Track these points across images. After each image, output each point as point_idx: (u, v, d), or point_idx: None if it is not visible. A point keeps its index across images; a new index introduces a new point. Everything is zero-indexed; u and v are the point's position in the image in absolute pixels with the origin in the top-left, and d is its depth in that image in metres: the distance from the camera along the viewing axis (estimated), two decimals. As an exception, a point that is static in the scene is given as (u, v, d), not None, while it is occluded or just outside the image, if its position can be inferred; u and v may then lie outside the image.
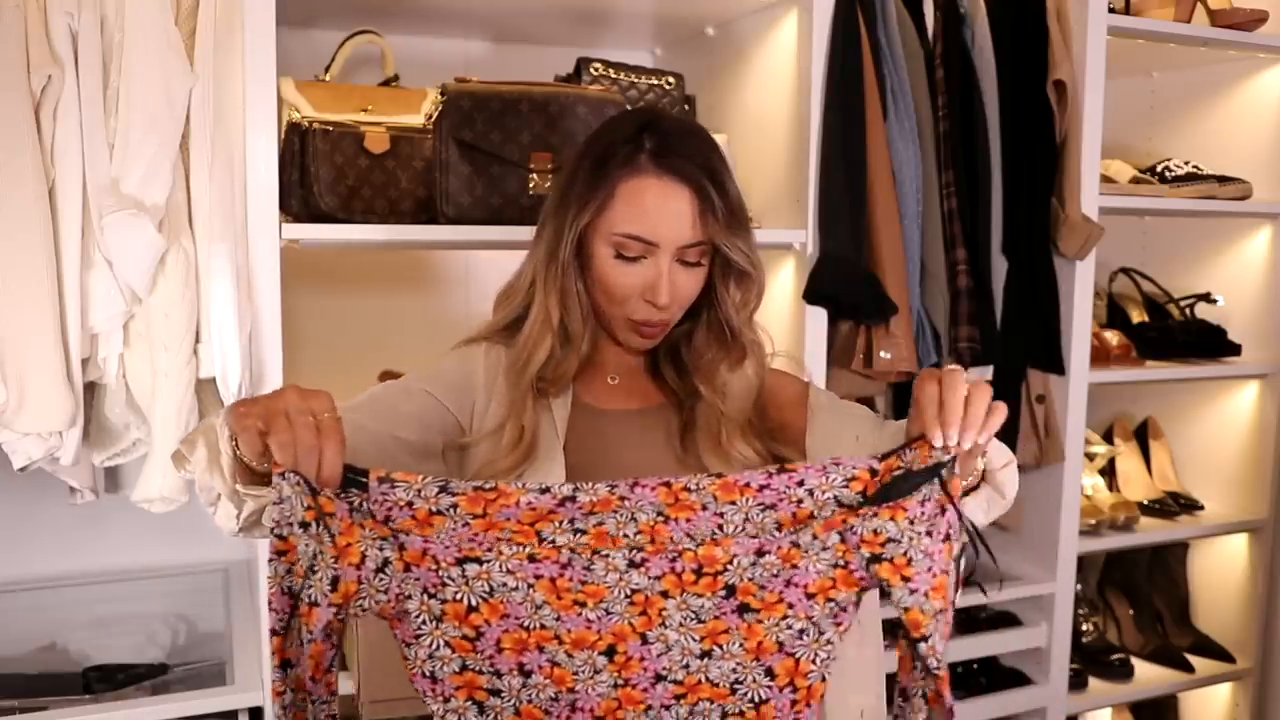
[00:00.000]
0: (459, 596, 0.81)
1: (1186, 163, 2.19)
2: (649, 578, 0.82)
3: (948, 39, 1.79)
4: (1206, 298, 2.33)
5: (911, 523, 0.82)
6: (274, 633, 0.80)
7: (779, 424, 1.18)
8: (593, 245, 1.12)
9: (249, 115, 1.37)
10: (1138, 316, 2.39)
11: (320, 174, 1.48)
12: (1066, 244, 1.91)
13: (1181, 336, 2.25)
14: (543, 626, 0.82)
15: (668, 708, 0.83)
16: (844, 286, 1.67)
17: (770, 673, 0.83)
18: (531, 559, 0.82)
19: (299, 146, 1.49)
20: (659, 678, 0.83)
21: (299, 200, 1.49)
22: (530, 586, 0.82)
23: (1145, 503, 2.32)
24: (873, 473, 0.84)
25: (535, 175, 1.52)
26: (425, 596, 0.80)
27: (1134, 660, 2.25)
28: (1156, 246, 2.49)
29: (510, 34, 1.99)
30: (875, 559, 0.82)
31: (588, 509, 0.82)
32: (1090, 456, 2.28)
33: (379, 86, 1.64)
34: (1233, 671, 2.29)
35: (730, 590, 0.83)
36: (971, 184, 1.80)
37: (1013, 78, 1.84)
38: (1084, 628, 2.25)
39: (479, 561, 0.81)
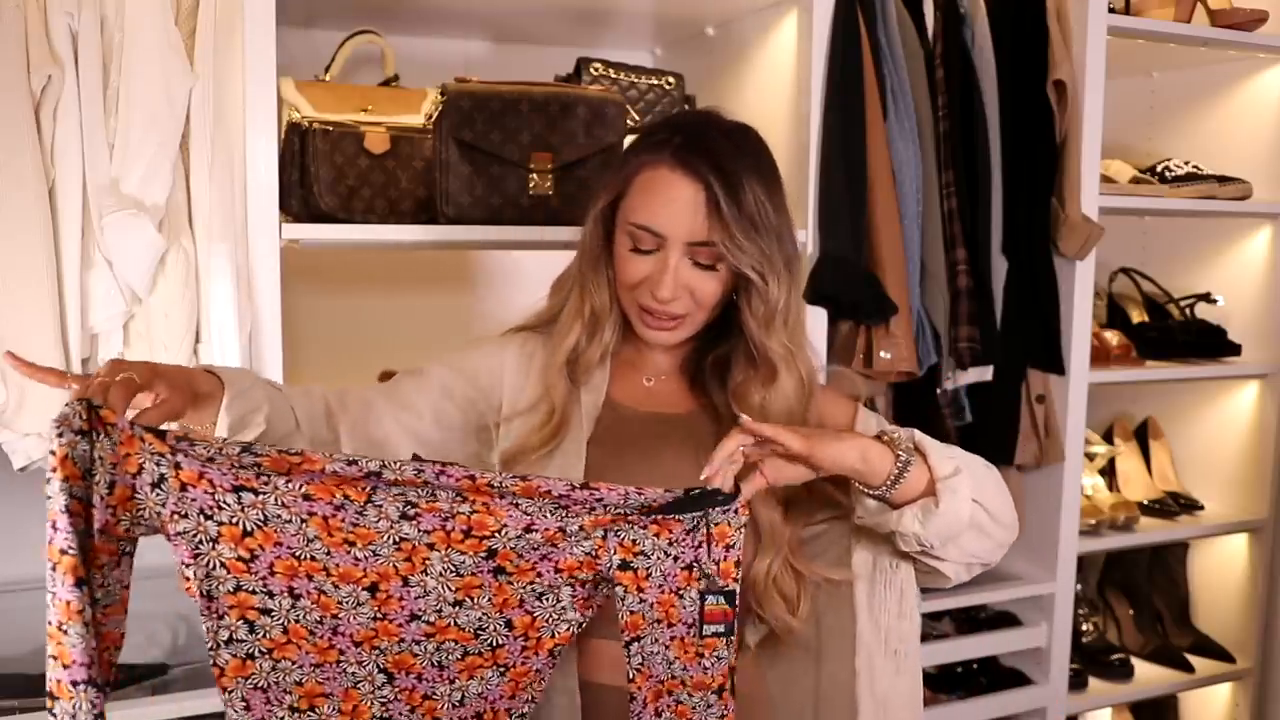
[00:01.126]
0: (234, 520, 0.87)
1: (1186, 163, 2.19)
2: (419, 530, 0.91)
3: (948, 39, 1.79)
4: (1206, 298, 2.33)
5: (669, 544, 0.94)
6: (64, 552, 0.80)
7: None
8: (616, 234, 1.15)
9: (249, 115, 1.37)
10: (1138, 316, 2.39)
11: (320, 174, 1.48)
12: (1066, 244, 1.91)
13: (1181, 336, 2.25)
14: (313, 558, 0.89)
15: (418, 642, 0.94)
16: (844, 286, 1.67)
17: (509, 624, 0.95)
18: (306, 497, 0.88)
19: (299, 146, 1.49)
20: (414, 617, 0.93)
21: (299, 200, 1.49)
22: (303, 521, 0.88)
23: (1145, 503, 2.32)
24: (666, 508, 0.94)
25: (535, 175, 1.52)
26: (201, 518, 0.86)
27: (1134, 660, 2.25)
28: (1156, 246, 2.49)
29: (510, 34, 1.99)
30: (624, 565, 0.94)
31: (390, 483, 0.89)
32: (1090, 456, 2.28)
33: (379, 86, 1.64)
34: (1233, 671, 2.29)
35: (491, 553, 0.93)
36: (971, 184, 1.80)
37: (1013, 78, 1.84)
38: (1084, 628, 2.25)
39: (254, 492, 0.87)
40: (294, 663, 0.92)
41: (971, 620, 2.08)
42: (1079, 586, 2.19)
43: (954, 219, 1.78)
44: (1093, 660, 2.21)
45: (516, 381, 1.19)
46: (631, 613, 0.96)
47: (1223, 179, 2.16)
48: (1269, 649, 2.27)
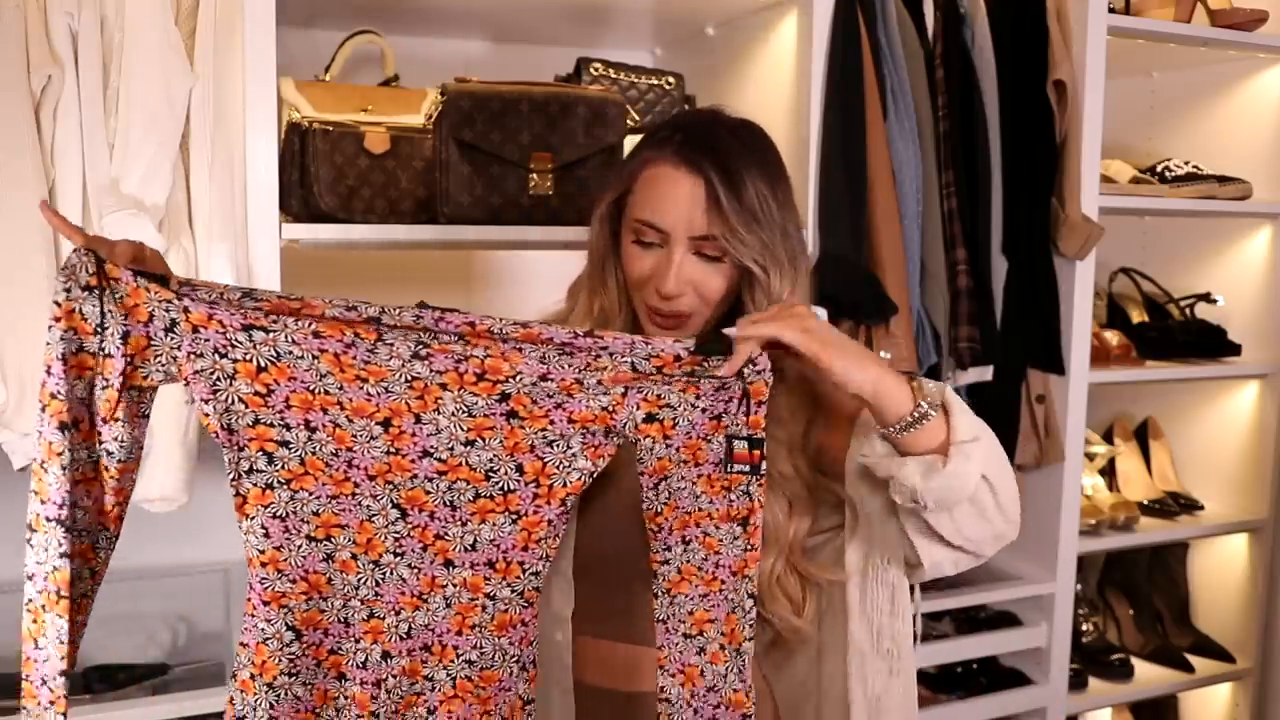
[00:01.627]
0: (248, 357, 0.91)
1: (1186, 163, 2.19)
2: (431, 369, 0.93)
3: (948, 39, 1.79)
4: (1206, 298, 2.33)
5: (697, 398, 0.97)
6: (54, 396, 0.87)
7: (820, 446, 1.14)
8: (622, 232, 1.15)
9: (249, 115, 1.37)
10: (1138, 316, 2.39)
11: (320, 174, 1.48)
12: (1066, 244, 1.91)
13: (1181, 336, 2.25)
14: (326, 393, 0.92)
15: (430, 480, 0.96)
16: (844, 286, 1.67)
17: (520, 469, 0.97)
18: (316, 335, 0.91)
19: (299, 146, 1.49)
20: (426, 453, 0.95)
21: (299, 200, 1.49)
22: (315, 358, 0.92)
23: (1145, 503, 2.32)
24: (677, 359, 0.96)
25: (535, 175, 1.53)
26: (216, 356, 0.90)
27: (1134, 660, 2.25)
28: (1156, 246, 2.49)
29: (510, 34, 1.99)
30: (648, 418, 0.97)
31: (390, 328, 0.92)
32: (1090, 456, 2.28)
33: (379, 86, 1.64)
34: (1233, 671, 2.29)
35: (504, 397, 0.95)
36: (971, 184, 1.80)
37: (1013, 78, 1.84)
38: (1084, 628, 2.25)
39: (265, 330, 0.90)
40: (311, 493, 0.95)
41: (971, 620, 2.08)
42: (1079, 586, 2.19)
43: (954, 219, 1.78)
44: (1093, 660, 2.21)
45: None
46: (658, 459, 0.98)
47: (1223, 179, 2.16)
48: (1269, 649, 2.27)
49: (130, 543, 1.81)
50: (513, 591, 0.99)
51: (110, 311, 0.88)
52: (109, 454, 0.93)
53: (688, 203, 1.08)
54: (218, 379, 0.91)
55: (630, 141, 1.64)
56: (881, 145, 1.70)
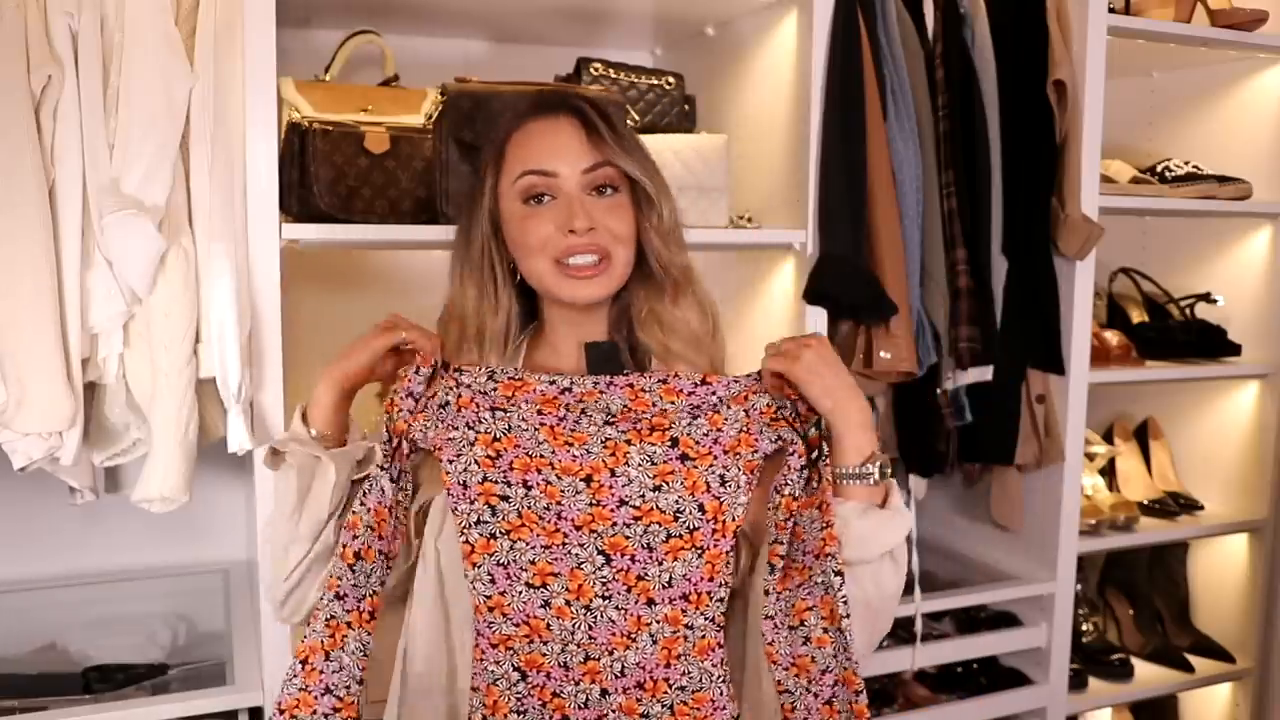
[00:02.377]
0: (488, 430, 1.10)
1: (1186, 163, 2.19)
2: (618, 430, 1.10)
3: (948, 39, 1.79)
4: (1206, 298, 2.33)
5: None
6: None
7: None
8: (504, 209, 1.14)
9: (249, 115, 1.37)
10: (1138, 316, 2.39)
11: (320, 174, 1.48)
12: (1066, 244, 1.91)
13: (1181, 336, 2.26)
14: (542, 456, 1.09)
15: (628, 525, 1.08)
16: (844, 286, 1.67)
17: (701, 508, 1.09)
18: (539, 412, 1.10)
19: (299, 146, 1.49)
20: (622, 502, 1.08)
21: (299, 200, 1.49)
22: (536, 429, 1.10)
23: (1145, 503, 2.33)
24: (758, 382, 1.13)
25: (535, 175, 1.52)
26: (466, 428, 1.09)
27: (1134, 660, 2.25)
28: (1156, 246, 2.49)
29: (510, 34, 1.99)
30: (774, 418, 1.11)
31: (579, 397, 1.11)
32: (1090, 456, 2.28)
33: (379, 86, 1.64)
34: (1233, 671, 2.29)
35: (674, 442, 1.10)
36: (971, 184, 1.80)
37: (1013, 78, 1.84)
38: (1084, 628, 2.25)
39: (504, 410, 1.11)
40: (527, 544, 1.07)
41: (971, 620, 2.08)
42: (1079, 586, 2.19)
43: (954, 219, 1.78)
44: (1093, 660, 2.21)
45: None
46: (807, 436, 1.11)
47: (1223, 179, 2.16)
48: (1269, 649, 2.26)
49: (130, 543, 1.83)
50: (706, 619, 1.08)
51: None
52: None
53: (567, 139, 1.10)
54: (463, 445, 1.08)
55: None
56: (881, 145, 1.70)
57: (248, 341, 1.37)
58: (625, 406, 1.11)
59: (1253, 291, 2.30)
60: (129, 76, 1.29)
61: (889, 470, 1.08)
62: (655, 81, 1.81)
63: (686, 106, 1.87)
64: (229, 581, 1.81)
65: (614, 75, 1.77)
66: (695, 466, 1.09)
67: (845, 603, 1.05)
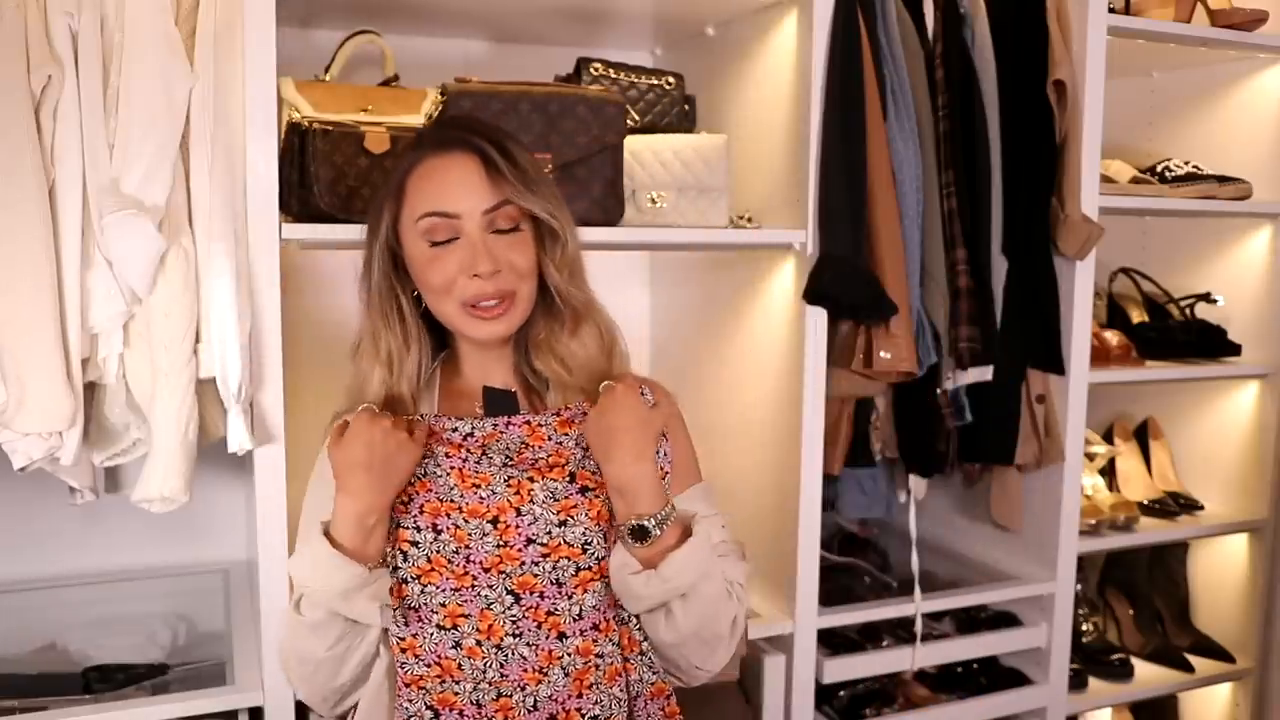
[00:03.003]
0: (411, 480, 1.12)
1: (1186, 163, 2.19)
2: (519, 470, 1.12)
3: (948, 39, 1.79)
4: (1206, 298, 2.33)
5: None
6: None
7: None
8: (406, 249, 1.13)
9: (249, 115, 1.37)
10: (1138, 316, 2.39)
11: (320, 174, 1.48)
12: (1066, 244, 1.91)
13: (1181, 336, 2.26)
14: (451, 500, 1.11)
15: (536, 563, 1.10)
16: (844, 286, 1.67)
17: (605, 537, 1.12)
18: (447, 455, 1.13)
19: (299, 146, 1.49)
20: (530, 540, 1.10)
21: (298, 200, 1.49)
22: (448, 474, 1.12)
23: (1145, 503, 2.32)
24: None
25: (535, 175, 1.52)
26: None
27: (1134, 660, 2.25)
28: (1156, 246, 2.49)
29: (510, 34, 1.99)
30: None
31: (480, 441, 1.15)
32: (1090, 456, 2.28)
33: (379, 86, 1.64)
34: (1233, 671, 2.29)
35: (572, 476, 1.13)
36: (971, 184, 1.80)
37: (1013, 78, 1.84)
38: (1084, 628, 2.25)
39: (428, 456, 1.13)
40: (438, 587, 1.10)
41: (971, 620, 2.08)
42: (1079, 586, 2.19)
43: (954, 219, 1.78)
44: (1093, 660, 2.21)
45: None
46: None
47: (1223, 179, 2.16)
48: (1269, 649, 2.27)
49: (130, 543, 1.82)
50: (613, 645, 1.13)
51: None
52: None
53: (468, 178, 1.09)
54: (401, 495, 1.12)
55: (630, 141, 1.64)
56: (881, 145, 1.70)
57: (248, 341, 1.37)
58: (524, 443, 1.14)
59: (1253, 291, 2.30)
60: (129, 76, 1.29)
61: (648, 530, 1.09)
62: (655, 81, 1.81)
63: (686, 106, 1.87)
64: (229, 581, 1.81)
65: (614, 75, 1.77)
66: (596, 497, 1.12)
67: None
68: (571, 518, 1.11)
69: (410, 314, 1.18)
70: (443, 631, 1.10)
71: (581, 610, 1.11)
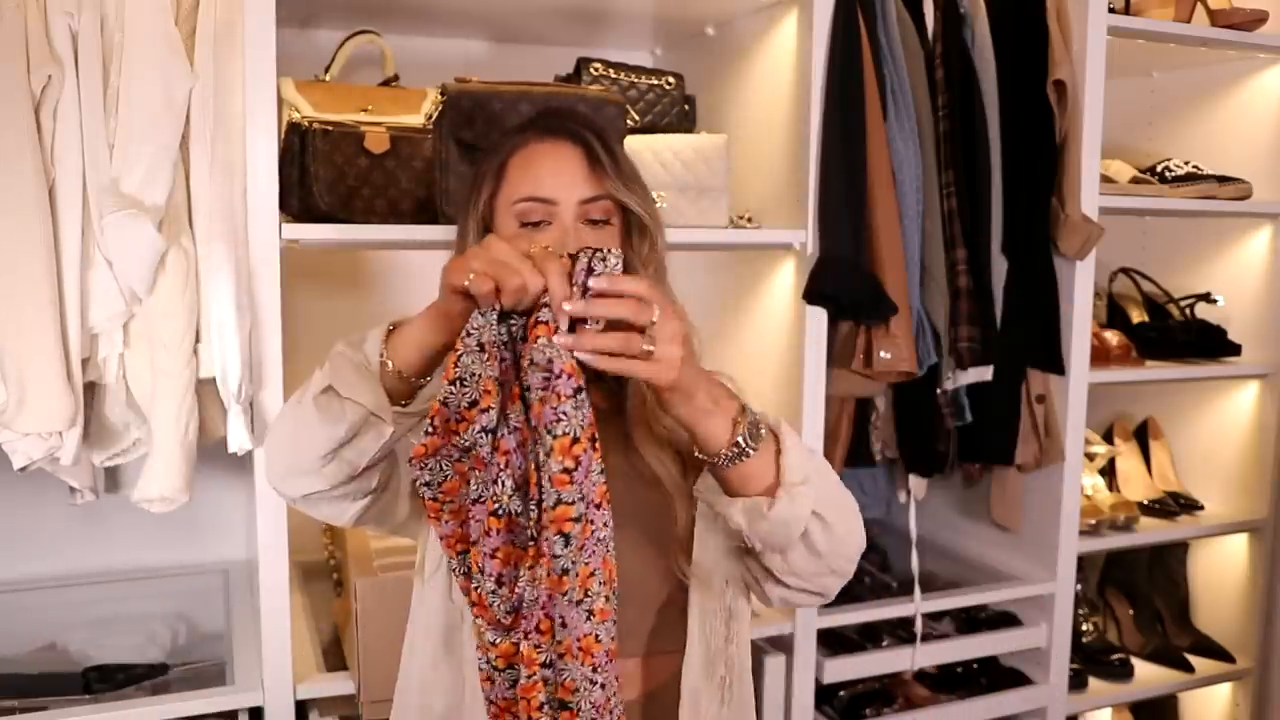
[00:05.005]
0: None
1: (1186, 163, 2.19)
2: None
3: (948, 39, 1.79)
4: (1206, 298, 2.33)
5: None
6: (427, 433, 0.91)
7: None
8: (498, 224, 1.13)
9: (249, 115, 1.37)
10: (1138, 316, 2.39)
11: (320, 174, 1.48)
12: (1066, 244, 1.91)
13: (1181, 336, 2.25)
14: None
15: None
16: (844, 286, 1.67)
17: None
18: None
19: (299, 146, 1.49)
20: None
21: (299, 200, 1.49)
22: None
23: (1145, 503, 2.32)
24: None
25: (535, 175, 1.52)
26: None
27: (1134, 660, 2.25)
28: (1156, 246, 2.49)
29: (510, 34, 1.99)
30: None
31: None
32: (1090, 456, 2.28)
33: (379, 86, 1.64)
34: (1233, 671, 2.29)
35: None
36: (971, 184, 1.80)
37: (1013, 78, 1.84)
38: (1084, 628, 2.25)
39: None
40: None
41: (971, 620, 2.08)
42: (1079, 586, 2.19)
43: (954, 219, 1.78)
44: (1093, 660, 2.21)
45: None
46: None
47: (1222, 179, 2.16)
48: (1269, 649, 2.26)
49: (130, 543, 1.83)
50: None
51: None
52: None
53: (570, 167, 1.09)
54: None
55: (630, 141, 1.64)
56: (881, 145, 1.70)
57: (248, 341, 1.37)
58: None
59: (1253, 291, 2.30)
60: (129, 76, 1.29)
61: (770, 429, 0.96)
62: (655, 81, 1.81)
63: (686, 106, 1.87)
64: (229, 581, 1.81)
65: (614, 75, 1.77)
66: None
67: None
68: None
69: None
70: None
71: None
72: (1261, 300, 2.28)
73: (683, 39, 2.04)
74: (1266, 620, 2.27)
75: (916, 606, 1.89)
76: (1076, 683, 2.12)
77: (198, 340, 1.35)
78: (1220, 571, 2.38)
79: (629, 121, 1.73)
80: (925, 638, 1.91)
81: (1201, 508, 2.34)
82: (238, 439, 1.38)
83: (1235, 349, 2.25)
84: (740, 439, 0.94)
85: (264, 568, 1.43)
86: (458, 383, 0.90)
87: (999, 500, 2.04)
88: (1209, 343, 2.25)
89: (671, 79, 1.83)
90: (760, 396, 1.83)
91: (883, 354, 1.70)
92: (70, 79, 1.27)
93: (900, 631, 1.93)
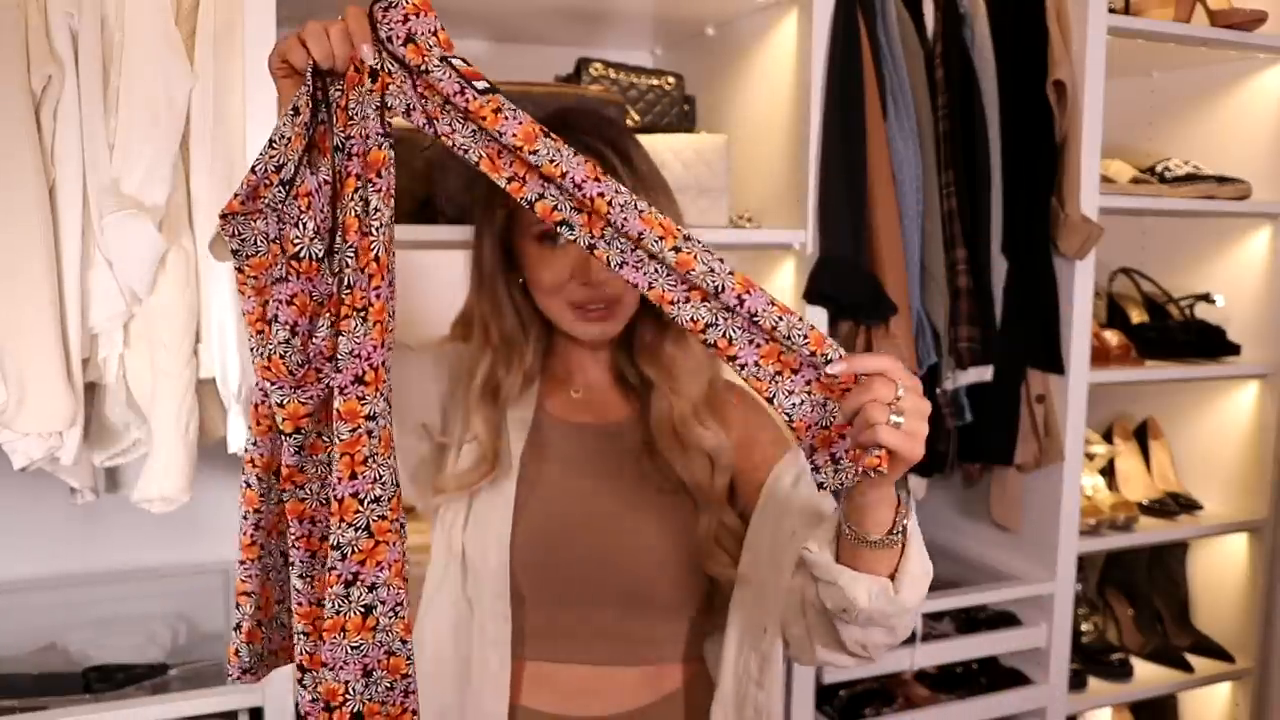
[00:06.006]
0: None
1: (1186, 163, 2.19)
2: None
3: (948, 39, 1.79)
4: (1206, 298, 2.33)
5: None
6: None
7: (738, 469, 1.14)
8: (518, 244, 1.13)
9: (249, 115, 1.37)
10: (1138, 316, 2.39)
11: (320, 174, 1.48)
12: (1066, 244, 1.91)
13: (1181, 336, 2.25)
14: None
15: None
16: (844, 286, 1.67)
17: None
18: None
19: (299, 146, 1.48)
20: None
21: (299, 200, 1.49)
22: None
23: (1145, 503, 2.32)
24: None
25: (535, 175, 1.52)
26: None
27: (1134, 660, 2.25)
28: (1156, 246, 2.49)
29: (510, 34, 1.99)
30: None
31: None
32: (1090, 456, 2.28)
33: (379, 86, 1.64)
34: (1232, 671, 2.29)
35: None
36: (971, 184, 1.80)
37: (1013, 78, 1.84)
38: (1084, 628, 2.25)
39: None
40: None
41: (971, 620, 2.08)
42: (1079, 586, 2.19)
43: (954, 219, 1.78)
44: (1092, 660, 2.21)
45: (441, 401, 1.19)
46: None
47: (1222, 179, 2.16)
48: (1269, 649, 2.27)
49: (130, 543, 1.82)
50: None
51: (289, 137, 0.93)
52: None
53: None
54: None
55: (630, 141, 1.64)
56: (881, 145, 1.70)
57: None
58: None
59: (1253, 291, 2.30)
60: (129, 76, 1.29)
61: (903, 529, 0.94)
62: (655, 81, 1.81)
63: (686, 106, 1.87)
64: (229, 581, 1.81)
65: (614, 75, 1.77)
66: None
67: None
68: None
69: (519, 296, 1.17)
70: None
71: None
72: (1261, 300, 2.28)
73: (683, 39, 2.04)
74: (1266, 620, 2.27)
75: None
76: (1076, 683, 2.12)
77: (198, 340, 1.35)
78: (1220, 571, 2.38)
79: (629, 122, 1.73)
80: (925, 638, 1.91)
81: (1201, 508, 2.34)
82: (238, 439, 1.38)
83: (1235, 349, 2.25)
84: (902, 524, 0.92)
85: (264, 568, 1.43)
86: (267, 144, 0.90)
87: (999, 500, 2.05)
88: (1209, 343, 2.25)
89: (671, 79, 1.83)
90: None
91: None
92: (70, 79, 1.27)
93: (900, 631, 1.93)
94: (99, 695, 1.50)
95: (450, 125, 0.93)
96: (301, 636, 0.93)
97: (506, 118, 0.89)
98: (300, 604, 0.93)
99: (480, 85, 0.91)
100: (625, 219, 0.88)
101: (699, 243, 0.89)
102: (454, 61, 0.91)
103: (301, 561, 0.93)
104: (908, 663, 1.90)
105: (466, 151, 0.92)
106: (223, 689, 1.46)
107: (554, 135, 0.89)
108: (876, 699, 1.96)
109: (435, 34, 0.93)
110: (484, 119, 0.90)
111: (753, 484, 1.13)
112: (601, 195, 0.88)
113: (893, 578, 0.92)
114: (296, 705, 0.94)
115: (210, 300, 1.34)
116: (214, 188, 1.34)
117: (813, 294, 1.67)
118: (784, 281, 1.76)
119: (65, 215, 1.27)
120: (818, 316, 1.70)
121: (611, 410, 1.19)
